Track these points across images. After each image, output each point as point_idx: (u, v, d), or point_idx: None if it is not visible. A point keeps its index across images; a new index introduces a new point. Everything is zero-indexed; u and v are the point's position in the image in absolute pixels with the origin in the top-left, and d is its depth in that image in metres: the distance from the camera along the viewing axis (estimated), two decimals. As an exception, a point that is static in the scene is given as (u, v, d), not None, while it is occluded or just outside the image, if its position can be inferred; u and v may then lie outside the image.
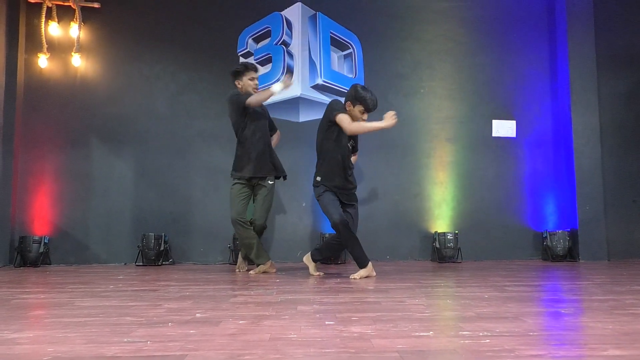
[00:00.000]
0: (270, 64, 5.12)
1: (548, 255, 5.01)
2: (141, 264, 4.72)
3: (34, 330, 1.73)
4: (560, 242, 4.98)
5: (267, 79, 5.04)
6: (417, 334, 1.63)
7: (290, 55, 5.14)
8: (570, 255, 5.04)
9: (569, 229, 5.10)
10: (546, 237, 5.04)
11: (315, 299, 2.45)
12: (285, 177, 4.08)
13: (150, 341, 1.54)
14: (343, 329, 1.71)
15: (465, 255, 5.01)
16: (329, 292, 2.74)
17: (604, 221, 5.07)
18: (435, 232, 5.00)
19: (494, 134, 5.30)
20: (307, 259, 3.76)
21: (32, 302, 2.40)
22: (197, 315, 2.00)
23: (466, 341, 1.52)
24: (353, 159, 3.78)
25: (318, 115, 5.04)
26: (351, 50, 5.24)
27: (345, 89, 5.17)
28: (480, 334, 1.62)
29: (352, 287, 2.92)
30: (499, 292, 2.66)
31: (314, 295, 2.59)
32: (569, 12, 5.26)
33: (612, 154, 5.32)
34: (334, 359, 1.32)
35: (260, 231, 3.93)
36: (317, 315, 1.98)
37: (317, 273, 3.70)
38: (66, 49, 4.98)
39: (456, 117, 5.31)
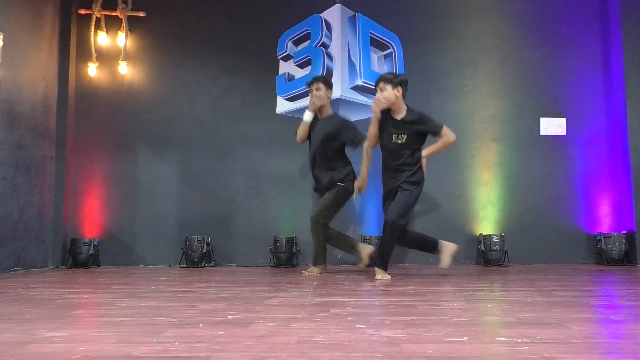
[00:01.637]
0: (310, 66, 5.12)
1: (602, 259, 4.74)
2: (185, 265, 4.81)
3: (70, 329, 1.78)
4: (615, 245, 4.70)
5: (306, 81, 5.03)
6: (450, 339, 1.56)
7: (330, 56, 5.12)
8: (627, 259, 4.75)
9: (625, 231, 4.81)
10: (600, 239, 4.77)
11: (350, 301, 2.41)
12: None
13: (178, 342, 1.54)
14: (374, 332, 1.66)
15: (513, 258, 4.82)
16: (365, 295, 2.69)
17: (664, 223, 4.75)
18: (480, 234, 4.83)
19: (542, 132, 5.08)
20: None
21: (76, 302, 2.48)
22: (229, 316, 2.00)
23: (502, 347, 1.44)
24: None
25: (358, 116, 4.98)
26: (391, 50, 5.16)
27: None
28: (519, 340, 1.53)
29: (390, 291, 2.85)
30: (545, 297, 2.52)
31: (350, 298, 2.55)
32: (623, 1, 4.97)
33: (673, 151, 4.98)
34: (359, 364, 1.28)
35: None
36: (349, 319, 1.94)
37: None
38: (114, 58, 5.16)
39: (502, 116, 5.13)
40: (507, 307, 2.21)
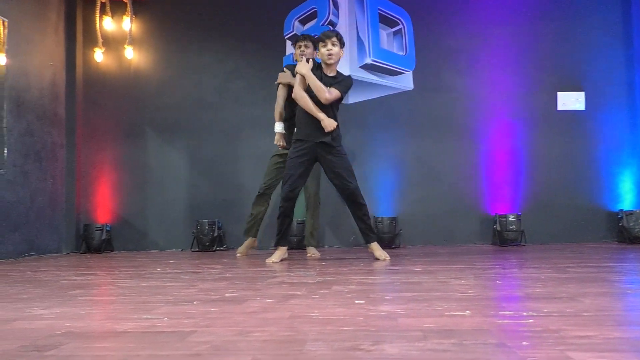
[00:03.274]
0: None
1: (624, 237, 4.58)
2: (196, 249, 4.79)
3: (63, 307, 1.74)
4: (638, 222, 4.53)
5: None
6: (450, 313, 1.48)
7: (338, 35, 4.99)
8: (650, 236, 4.58)
9: (648, 208, 4.64)
10: (622, 217, 4.61)
11: (354, 279, 2.34)
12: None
13: (167, 318, 1.49)
14: (372, 308, 1.59)
15: (530, 238, 4.68)
16: (371, 274, 2.61)
17: (689, 199, 4.56)
18: (496, 214, 4.71)
19: (560, 108, 4.90)
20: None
21: (77, 283, 2.46)
22: (227, 294, 1.95)
23: (505, 321, 1.35)
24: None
25: (368, 96, 4.88)
26: (401, 26, 5.02)
27: (396, 67, 4.98)
28: (524, 313, 1.44)
29: (397, 269, 2.77)
30: (559, 273, 2.42)
31: (355, 276, 2.47)
32: (644, -33, 4.75)
33: (699, 124, 4.77)
34: (348, 337, 1.20)
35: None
36: (349, 295, 1.87)
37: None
38: (120, 43, 5.13)
39: (516, 92, 4.96)
40: (517, 283, 2.12)
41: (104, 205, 5.05)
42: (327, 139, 3.31)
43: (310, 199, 4.05)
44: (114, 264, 3.56)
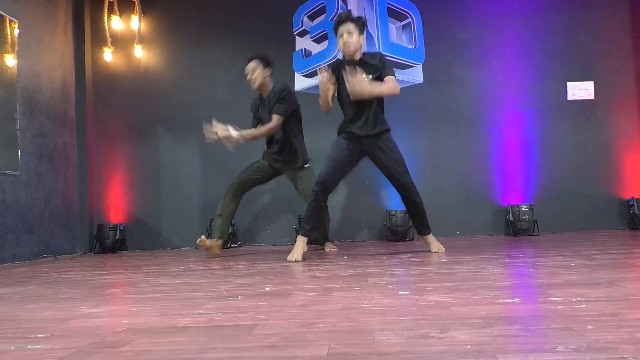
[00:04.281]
0: (327, 40, 5.02)
1: (636, 224, 4.62)
2: (211, 247, 4.80)
3: (110, 305, 1.76)
4: (649, 209, 4.58)
5: (324, 56, 4.95)
6: (500, 301, 1.50)
7: (347, 30, 4.99)
8: (662, 223, 4.63)
9: (659, 195, 4.68)
10: (633, 204, 4.65)
11: (386, 271, 2.36)
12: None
13: (220, 313, 1.51)
14: (419, 297, 1.61)
15: (542, 227, 4.72)
16: (399, 265, 2.64)
17: (700, 185, 4.60)
18: (509, 204, 4.74)
19: (570, 97, 4.93)
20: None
21: (109, 282, 2.47)
22: (266, 289, 1.97)
23: (558, 307, 1.38)
24: None
25: (378, 89, 4.88)
26: (410, 19, 5.03)
27: (405, 60, 4.99)
28: (574, 299, 1.47)
29: (423, 261, 2.80)
30: (587, 260, 2.44)
31: (384, 268, 2.50)
32: (652, -44, 4.77)
33: None
34: (412, 326, 1.22)
35: None
36: (390, 287, 1.89)
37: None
38: (129, 42, 5.12)
39: (527, 83, 4.99)
40: (550, 270, 2.14)
41: (116, 205, 5.06)
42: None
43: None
44: (134, 263, 3.57)
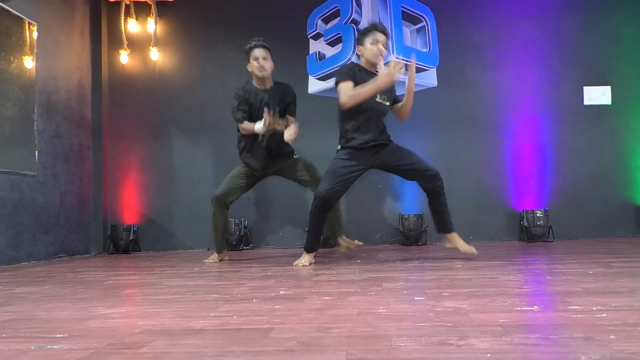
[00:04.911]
0: (341, 43, 5.02)
1: (653, 231, 4.55)
2: (223, 249, 4.81)
3: (126, 306, 1.77)
4: (667, 216, 4.51)
5: (337, 59, 4.95)
6: (518, 308, 1.48)
7: (361, 33, 4.99)
8: (680, 231, 4.55)
9: (677, 202, 4.61)
10: (651, 211, 4.58)
11: (400, 276, 2.35)
12: None
13: (236, 315, 1.51)
14: (435, 303, 1.60)
15: (557, 234, 4.67)
16: (413, 270, 2.62)
17: None
18: (523, 210, 4.69)
19: (586, 102, 4.87)
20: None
21: (124, 283, 2.49)
22: (281, 292, 1.97)
23: (579, 315, 1.36)
24: None
25: (392, 93, 4.87)
26: (424, 23, 5.01)
27: (420, 64, 4.97)
28: (594, 308, 1.45)
29: (437, 266, 2.78)
30: (605, 268, 2.41)
31: (399, 273, 2.48)
32: (672, -41, 4.71)
33: None
34: (430, 332, 1.22)
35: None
36: (405, 292, 1.88)
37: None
38: (144, 44, 5.16)
39: (542, 86, 4.94)
40: (567, 278, 2.11)
41: (130, 206, 5.10)
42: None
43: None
44: (148, 264, 3.59)
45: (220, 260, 3.65)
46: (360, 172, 3.12)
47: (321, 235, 3.24)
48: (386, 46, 3.07)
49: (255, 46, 3.48)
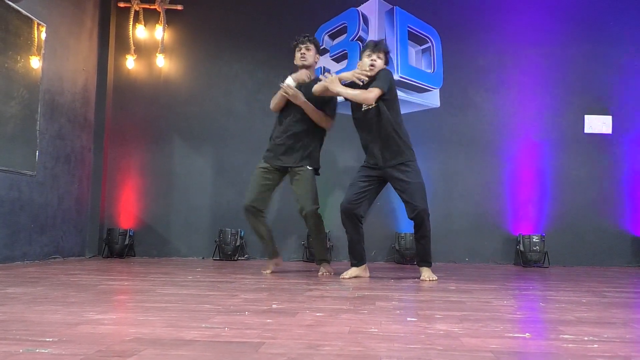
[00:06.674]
0: (346, 60, 5.06)
1: (649, 262, 4.55)
2: (218, 258, 4.80)
3: (118, 312, 1.77)
4: (663, 248, 4.51)
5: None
6: (510, 334, 1.48)
7: (367, 51, 5.04)
8: (676, 263, 4.55)
9: (674, 235, 4.61)
10: (647, 242, 4.58)
11: (394, 295, 2.34)
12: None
13: (227, 328, 1.51)
14: (427, 325, 1.60)
15: (553, 260, 4.66)
16: (407, 290, 2.62)
17: None
18: (520, 234, 4.69)
19: (587, 131, 4.90)
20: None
21: (117, 288, 2.48)
22: (273, 306, 1.96)
23: (570, 345, 1.36)
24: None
25: (395, 111, 4.89)
26: (429, 44, 5.06)
27: (423, 84, 5.01)
28: (585, 338, 1.45)
29: (431, 287, 2.77)
30: (599, 297, 2.41)
31: (392, 292, 2.48)
32: (676, -6, 4.77)
33: None
34: (421, 355, 1.21)
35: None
36: (398, 312, 1.87)
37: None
38: (151, 51, 5.19)
39: (543, 113, 4.97)
40: (561, 306, 2.11)
41: (127, 210, 5.09)
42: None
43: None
44: (142, 270, 3.58)
45: (276, 265, 3.59)
46: (372, 179, 3.27)
47: (357, 246, 3.30)
48: (374, 60, 3.22)
49: (301, 41, 3.63)
